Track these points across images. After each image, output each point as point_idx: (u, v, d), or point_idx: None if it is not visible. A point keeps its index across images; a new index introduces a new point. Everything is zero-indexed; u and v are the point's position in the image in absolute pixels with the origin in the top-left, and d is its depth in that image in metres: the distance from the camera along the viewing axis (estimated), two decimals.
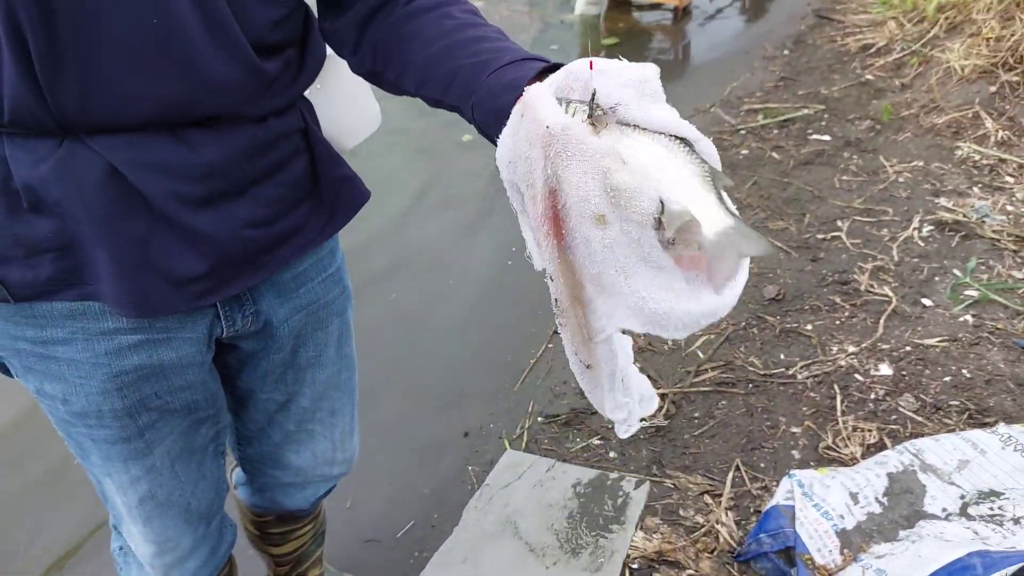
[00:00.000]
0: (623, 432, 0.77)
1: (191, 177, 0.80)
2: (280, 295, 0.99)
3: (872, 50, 4.06)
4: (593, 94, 0.61)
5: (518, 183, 0.67)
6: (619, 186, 0.58)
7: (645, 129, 0.61)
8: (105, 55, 0.72)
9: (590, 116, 0.60)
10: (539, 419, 2.05)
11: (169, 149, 0.78)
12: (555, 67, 0.69)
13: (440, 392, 2.22)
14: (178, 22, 0.73)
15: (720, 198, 0.60)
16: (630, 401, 0.74)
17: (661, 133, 0.61)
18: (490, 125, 0.72)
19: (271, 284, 0.98)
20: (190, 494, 1.04)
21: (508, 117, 0.67)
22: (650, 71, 0.62)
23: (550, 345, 2.32)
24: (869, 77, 3.81)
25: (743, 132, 3.49)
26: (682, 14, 5.17)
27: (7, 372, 0.94)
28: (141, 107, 0.75)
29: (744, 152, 3.31)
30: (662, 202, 0.58)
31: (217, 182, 0.82)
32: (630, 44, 4.85)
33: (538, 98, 0.63)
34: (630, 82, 0.61)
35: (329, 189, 0.97)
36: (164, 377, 0.92)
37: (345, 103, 1.05)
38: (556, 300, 0.69)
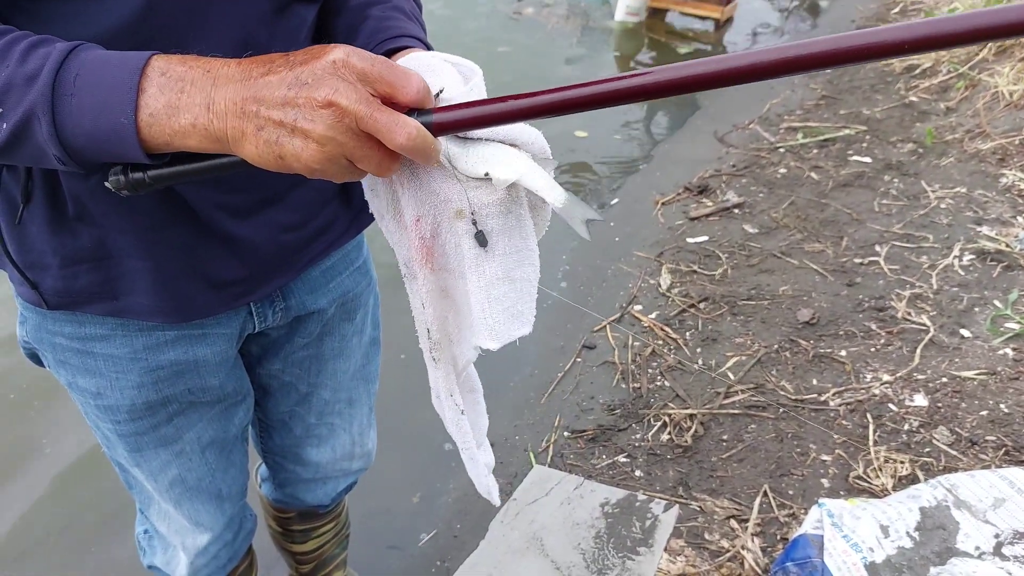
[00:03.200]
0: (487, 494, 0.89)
1: (236, 188, 0.83)
2: (311, 291, 1.02)
3: (917, 71, 4.00)
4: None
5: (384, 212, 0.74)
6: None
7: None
8: None
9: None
10: (565, 434, 2.04)
11: None
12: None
13: None
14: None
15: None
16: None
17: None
18: None
19: (301, 280, 1.00)
20: (220, 480, 1.07)
21: None
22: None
23: (578, 359, 2.32)
24: (913, 99, 3.75)
25: (781, 150, 3.45)
26: (723, 23, 5.14)
27: (38, 362, 0.97)
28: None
29: (782, 171, 3.27)
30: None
31: (260, 192, 0.85)
32: (667, 52, 4.83)
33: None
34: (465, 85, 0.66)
35: (354, 188, 0.99)
36: (197, 374, 0.95)
37: None
38: (428, 331, 0.75)
